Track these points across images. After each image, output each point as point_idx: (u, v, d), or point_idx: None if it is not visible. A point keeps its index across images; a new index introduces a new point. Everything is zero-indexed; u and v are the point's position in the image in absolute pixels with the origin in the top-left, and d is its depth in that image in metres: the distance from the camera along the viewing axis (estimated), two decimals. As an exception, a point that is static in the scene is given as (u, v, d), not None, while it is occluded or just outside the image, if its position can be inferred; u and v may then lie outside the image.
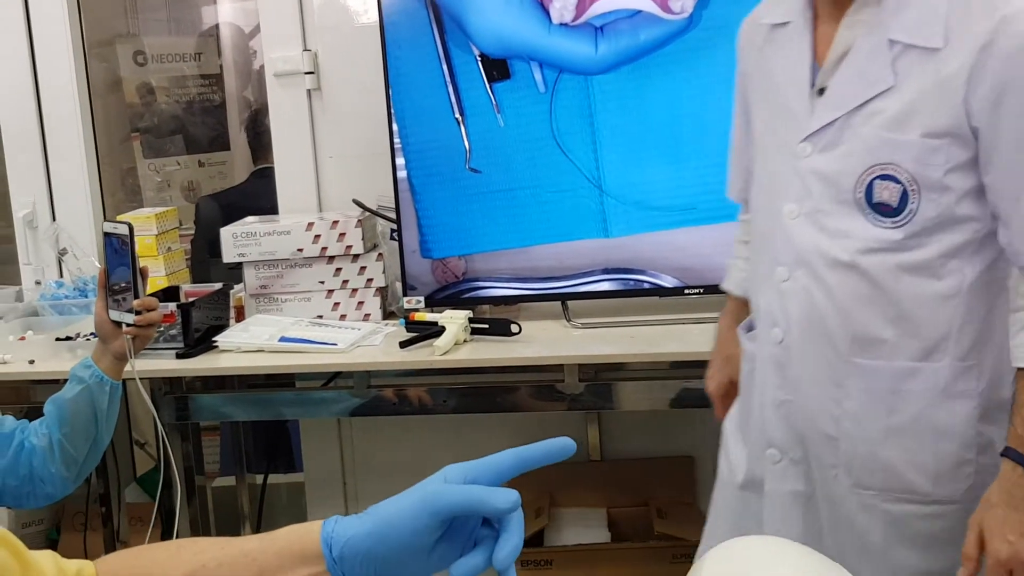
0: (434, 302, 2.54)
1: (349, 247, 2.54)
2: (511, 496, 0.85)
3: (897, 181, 1.49)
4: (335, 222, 2.54)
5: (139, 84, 4.07)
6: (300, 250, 2.54)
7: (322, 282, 2.56)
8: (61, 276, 2.96)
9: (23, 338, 2.57)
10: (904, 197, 1.49)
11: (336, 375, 2.65)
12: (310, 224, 2.54)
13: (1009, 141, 1.45)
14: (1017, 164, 1.46)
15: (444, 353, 2.31)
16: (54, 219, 3.00)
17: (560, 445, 0.92)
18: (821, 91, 1.56)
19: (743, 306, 1.85)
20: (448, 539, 0.88)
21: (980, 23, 1.44)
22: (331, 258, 2.55)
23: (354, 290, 2.56)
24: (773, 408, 1.63)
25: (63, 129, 2.98)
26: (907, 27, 1.48)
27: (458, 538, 0.89)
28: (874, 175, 1.50)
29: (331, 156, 2.85)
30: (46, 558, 0.89)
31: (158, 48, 4.09)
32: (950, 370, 1.52)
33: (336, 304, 2.57)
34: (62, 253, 2.91)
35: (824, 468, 1.61)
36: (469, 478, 0.87)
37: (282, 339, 2.40)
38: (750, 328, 1.74)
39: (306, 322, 2.51)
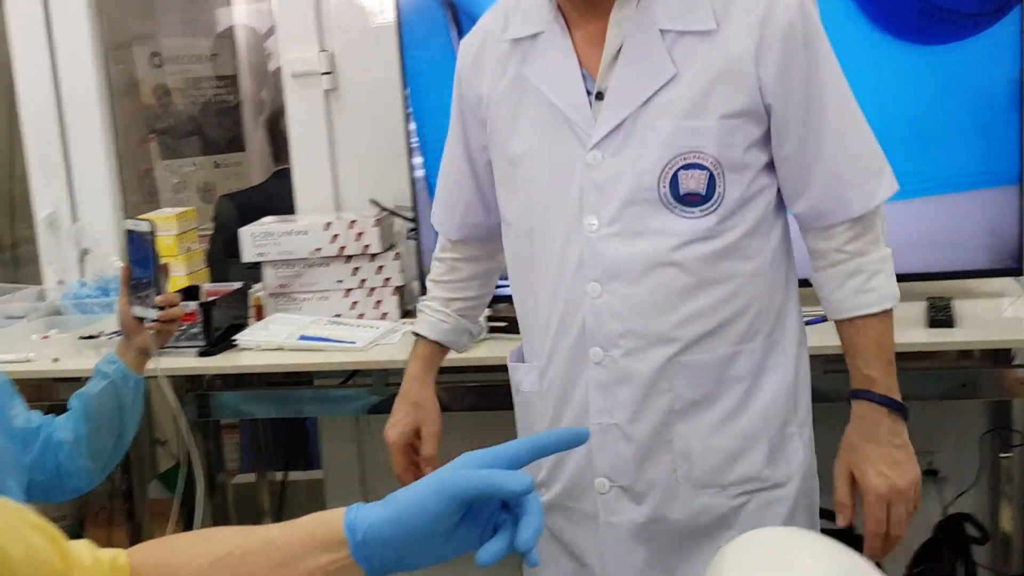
0: (451, 300, 2.56)
1: (367, 246, 2.56)
2: (525, 479, 0.87)
3: (702, 168, 1.48)
4: (353, 222, 2.57)
5: (155, 85, 4.10)
6: (318, 250, 2.57)
7: (340, 281, 2.59)
8: (83, 276, 3.00)
9: (46, 337, 2.61)
10: (711, 182, 1.48)
11: (354, 373, 2.67)
12: (328, 224, 2.57)
13: (799, 110, 1.48)
14: (810, 133, 1.49)
15: (462, 351, 2.32)
16: (75, 220, 3.04)
17: (573, 433, 0.95)
18: (600, 96, 1.51)
19: (437, 351, 1.82)
20: (467, 523, 0.90)
21: (749, 1, 1.46)
22: (349, 257, 2.58)
23: (372, 289, 2.59)
24: (599, 434, 1.56)
25: (84, 131, 3.02)
26: (674, 15, 1.48)
27: (477, 522, 0.91)
28: (677, 166, 1.48)
29: (348, 156, 2.88)
30: (82, 546, 0.92)
31: (174, 50, 4.12)
32: (763, 347, 1.55)
33: (354, 303, 2.59)
34: (84, 253, 2.95)
35: (662, 477, 1.56)
36: (484, 465, 0.90)
37: (301, 337, 2.43)
38: (521, 359, 1.70)
39: (325, 321, 2.54)
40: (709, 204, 1.49)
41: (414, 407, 1.80)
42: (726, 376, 1.54)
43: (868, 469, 1.55)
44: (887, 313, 1.55)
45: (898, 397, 1.56)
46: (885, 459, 1.55)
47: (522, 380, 1.71)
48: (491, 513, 0.91)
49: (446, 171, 1.77)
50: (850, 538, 1.53)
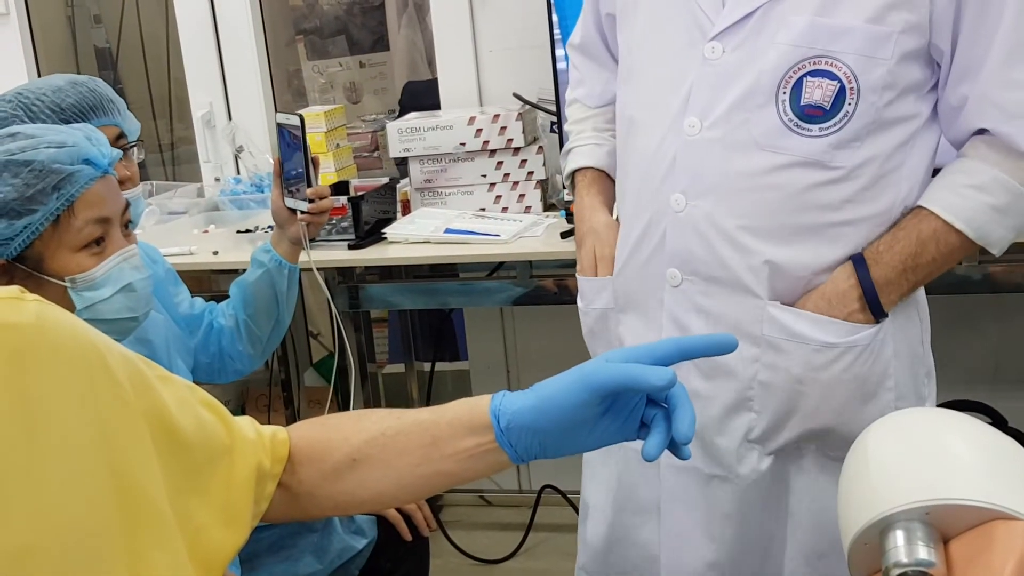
0: (594, 193, 2.56)
1: (510, 140, 2.57)
2: (667, 374, 0.88)
3: (833, 77, 1.27)
4: (496, 116, 2.58)
5: (302, -15, 4.15)
6: (463, 144, 2.59)
7: (484, 175, 2.61)
8: (238, 173, 3.10)
9: (206, 231, 2.72)
10: (840, 97, 1.27)
11: (499, 265, 2.71)
12: (472, 118, 2.58)
13: (971, 18, 1.26)
14: (976, 44, 1.26)
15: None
16: (230, 118, 3.14)
17: (721, 339, 0.94)
18: None
19: (601, 178, 1.58)
20: (610, 416, 0.92)
21: None
22: (493, 151, 2.59)
23: (515, 183, 2.60)
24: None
25: (236, 32, 3.09)
26: None
27: (619, 416, 0.93)
28: (804, 71, 1.27)
29: (491, 50, 2.88)
30: (245, 422, 0.98)
31: (319, -51, 4.15)
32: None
33: (498, 197, 2.61)
34: (238, 151, 3.05)
35: (736, 438, 1.39)
36: (628, 360, 0.91)
37: (447, 230, 2.47)
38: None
39: (469, 214, 2.58)
40: (830, 124, 1.28)
41: (591, 232, 1.56)
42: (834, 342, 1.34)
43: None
44: (957, 234, 1.30)
45: (887, 306, 1.33)
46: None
47: (595, 294, 1.54)
48: (634, 407, 0.93)
49: (584, 29, 1.65)
50: (997, 420, 1.47)
